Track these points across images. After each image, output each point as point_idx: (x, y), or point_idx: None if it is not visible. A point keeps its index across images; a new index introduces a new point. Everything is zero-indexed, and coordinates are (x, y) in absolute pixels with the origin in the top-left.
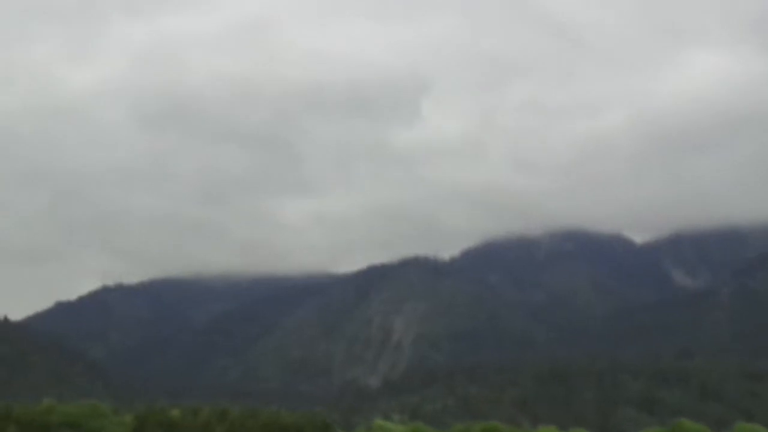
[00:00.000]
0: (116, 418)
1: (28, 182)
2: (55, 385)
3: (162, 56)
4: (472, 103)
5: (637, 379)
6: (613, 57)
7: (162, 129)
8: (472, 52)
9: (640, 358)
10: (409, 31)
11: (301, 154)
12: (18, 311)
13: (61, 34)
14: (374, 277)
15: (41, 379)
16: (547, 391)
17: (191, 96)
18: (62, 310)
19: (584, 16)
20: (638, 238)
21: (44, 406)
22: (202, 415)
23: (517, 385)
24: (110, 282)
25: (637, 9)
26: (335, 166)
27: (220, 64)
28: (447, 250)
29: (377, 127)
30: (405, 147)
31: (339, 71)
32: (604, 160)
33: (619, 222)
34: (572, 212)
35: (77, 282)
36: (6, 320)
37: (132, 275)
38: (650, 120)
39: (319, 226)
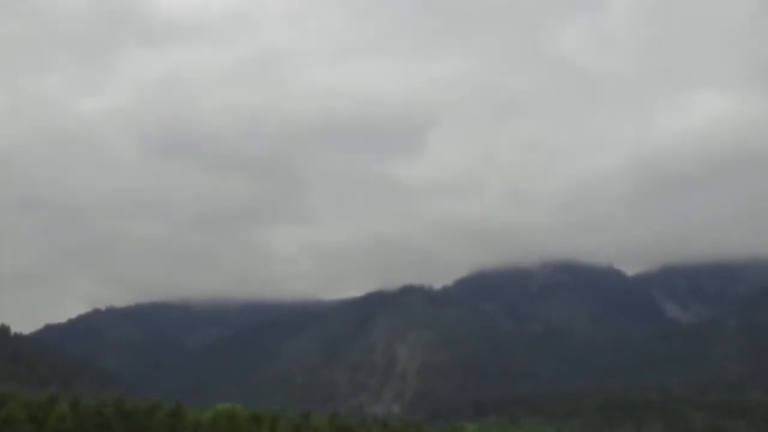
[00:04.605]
0: None
1: (27, 208)
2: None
3: (172, 86)
4: (476, 139)
5: (699, 411)
6: (614, 96)
7: (166, 158)
8: (480, 90)
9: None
10: (419, 67)
11: (302, 184)
12: None
13: (72, 62)
14: (374, 305)
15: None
16: (613, 422)
17: (198, 126)
18: (51, 332)
19: (587, 56)
20: (629, 270)
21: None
22: None
23: (579, 416)
24: (100, 306)
25: (639, 49)
26: (336, 196)
27: (230, 96)
28: (440, 281)
29: (381, 159)
30: (406, 180)
31: (347, 103)
32: (600, 197)
33: (610, 255)
34: (565, 245)
35: (66, 306)
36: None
37: (121, 300)
38: (647, 158)
39: (312, 255)
